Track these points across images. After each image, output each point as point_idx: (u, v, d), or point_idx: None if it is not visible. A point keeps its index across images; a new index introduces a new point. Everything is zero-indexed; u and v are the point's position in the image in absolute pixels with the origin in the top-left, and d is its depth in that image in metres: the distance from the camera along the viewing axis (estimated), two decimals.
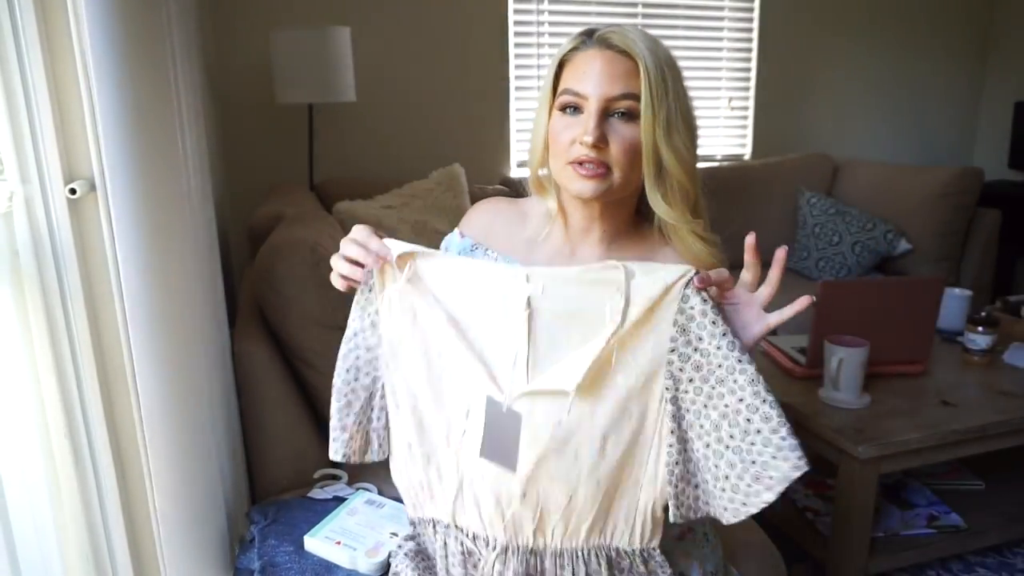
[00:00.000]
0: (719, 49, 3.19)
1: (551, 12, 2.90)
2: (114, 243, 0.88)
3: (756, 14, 3.19)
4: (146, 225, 0.91)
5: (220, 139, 2.39)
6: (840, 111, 3.46)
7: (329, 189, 2.41)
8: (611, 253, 0.91)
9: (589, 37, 0.85)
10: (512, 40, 2.86)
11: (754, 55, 3.25)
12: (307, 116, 2.52)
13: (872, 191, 2.97)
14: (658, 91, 0.81)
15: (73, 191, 0.87)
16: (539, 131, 0.89)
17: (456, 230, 1.01)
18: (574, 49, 0.85)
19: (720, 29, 3.18)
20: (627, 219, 0.93)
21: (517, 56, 2.89)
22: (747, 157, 3.34)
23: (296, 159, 2.62)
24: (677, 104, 0.82)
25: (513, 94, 2.92)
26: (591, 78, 0.82)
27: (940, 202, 2.78)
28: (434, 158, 2.66)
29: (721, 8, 3.15)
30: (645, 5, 3.03)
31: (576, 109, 0.84)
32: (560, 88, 0.85)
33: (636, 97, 0.81)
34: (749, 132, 3.33)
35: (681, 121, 0.83)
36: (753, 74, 3.27)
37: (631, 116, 0.82)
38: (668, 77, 0.82)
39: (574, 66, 0.85)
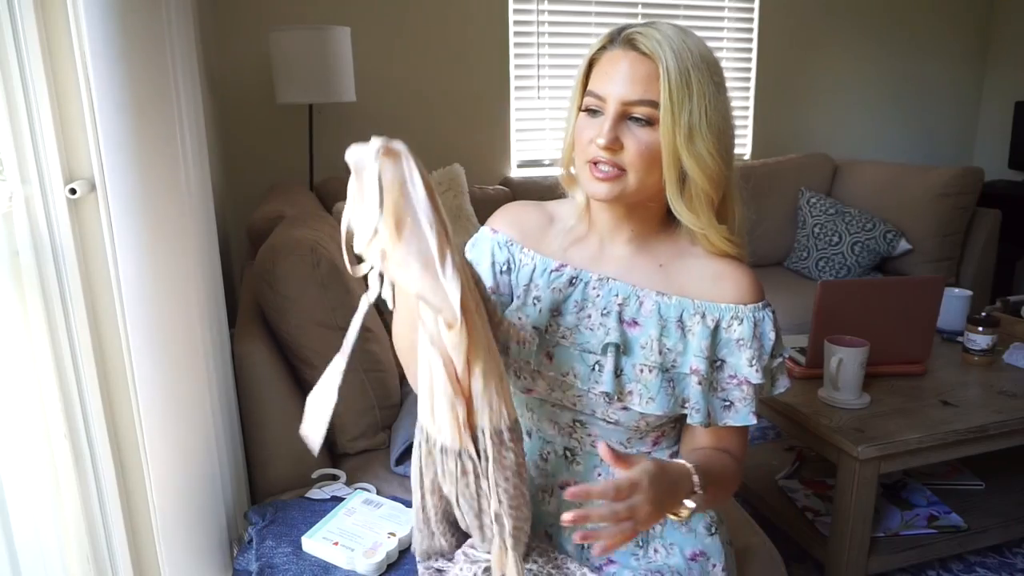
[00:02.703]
0: (719, 49, 3.20)
1: (551, 12, 2.90)
2: (114, 243, 0.88)
3: (756, 14, 3.19)
4: (146, 225, 0.91)
5: (220, 139, 2.39)
6: (840, 111, 3.46)
7: (329, 189, 2.41)
8: (640, 253, 0.92)
9: (618, 35, 0.84)
10: (512, 40, 2.86)
11: (754, 55, 3.25)
12: (307, 116, 2.52)
13: (872, 191, 2.97)
14: (679, 97, 0.79)
15: (73, 191, 0.87)
16: (569, 129, 0.89)
17: (486, 227, 1.00)
18: (602, 48, 0.85)
19: (720, 29, 3.18)
20: (657, 219, 0.92)
21: (517, 56, 2.89)
22: (747, 157, 3.34)
23: (296, 159, 2.62)
24: (703, 108, 0.80)
25: (513, 94, 2.92)
26: (612, 80, 0.82)
27: (940, 202, 2.78)
28: (434, 158, 2.66)
29: (721, 8, 3.15)
30: (645, 5, 3.03)
31: (598, 111, 0.83)
32: (587, 89, 0.85)
33: (655, 104, 0.80)
34: (749, 132, 3.33)
35: (706, 126, 0.80)
36: (753, 74, 3.27)
37: (649, 122, 0.81)
38: (694, 80, 0.79)
39: (600, 67, 0.84)
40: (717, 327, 0.88)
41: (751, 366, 0.86)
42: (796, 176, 3.05)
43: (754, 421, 0.88)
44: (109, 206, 0.87)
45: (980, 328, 1.79)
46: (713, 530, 0.98)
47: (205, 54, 1.87)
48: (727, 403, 0.89)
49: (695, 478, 0.81)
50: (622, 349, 0.88)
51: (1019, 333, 1.99)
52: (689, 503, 0.80)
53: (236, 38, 2.51)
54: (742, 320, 0.87)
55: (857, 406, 1.57)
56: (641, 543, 0.96)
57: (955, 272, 2.88)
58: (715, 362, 0.88)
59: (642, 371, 0.87)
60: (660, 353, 0.88)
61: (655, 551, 0.96)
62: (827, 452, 1.52)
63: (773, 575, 1.18)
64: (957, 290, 2.00)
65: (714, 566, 0.96)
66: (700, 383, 0.87)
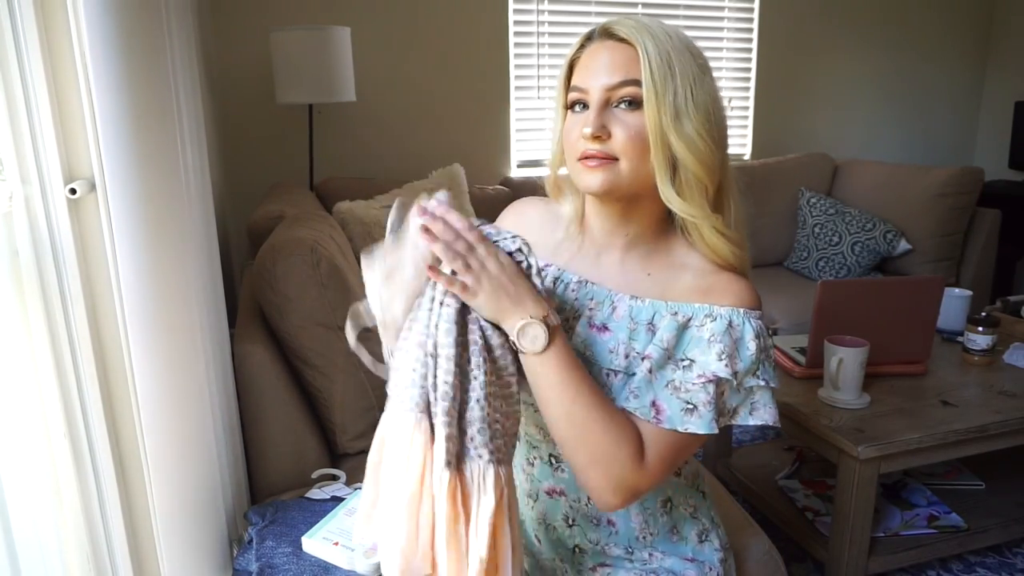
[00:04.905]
0: (719, 49, 3.20)
1: (551, 12, 2.90)
2: (114, 243, 0.88)
3: (756, 14, 3.19)
4: (146, 225, 0.91)
5: (220, 139, 2.39)
6: (840, 111, 3.46)
7: (329, 189, 2.41)
8: (630, 262, 0.88)
9: (595, 32, 0.83)
10: (512, 40, 2.86)
11: (754, 55, 3.25)
12: (307, 116, 2.52)
13: (872, 191, 2.97)
14: (661, 76, 0.77)
15: (73, 191, 0.87)
16: (556, 133, 0.87)
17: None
18: (582, 47, 0.84)
19: (720, 29, 3.18)
20: (652, 225, 0.88)
21: (517, 56, 2.89)
22: (747, 157, 3.34)
23: (296, 159, 2.62)
24: (688, 88, 0.77)
25: (513, 94, 2.92)
26: (594, 72, 0.80)
27: (940, 202, 2.78)
28: (434, 158, 2.66)
29: (721, 8, 3.15)
30: (645, 5, 3.03)
31: (584, 105, 0.81)
32: (572, 85, 0.84)
33: (637, 83, 0.78)
34: (749, 132, 3.33)
35: (693, 106, 0.77)
36: (753, 74, 3.27)
37: (635, 104, 0.79)
38: (675, 61, 0.77)
39: (581, 64, 0.83)
40: (687, 324, 0.83)
41: (720, 360, 0.79)
42: (796, 176, 3.05)
43: (715, 430, 0.79)
44: (109, 206, 0.86)
45: (980, 328, 1.79)
46: (704, 537, 0.98)
47: (205, 54, 1.87)
48: (690, 406, 0.80)
49: (550, 315, 0.76)
50: (587, 356, 0.85)
51: (1019, 333, 1.99)
52: (531, 335, 0.76)
53: (236, 38, 2.51)
54: (715, 319, 0.81)
55: (857, 406, 1.57)
56: (631, 549, 0.96)
57: (955, 272, 2.88)
58: (682, 361, 0.82)
59: (608, 376, 0.84)
60: (626, 356, 0.84)
61: (649, 555, 0.96)
62: (827, 452, 1.52)
63: (773, 575, 1.18)
64: (957, 290, 2.00)
65: (710, 569, 0.96)
66: (650, 370, 0.81)
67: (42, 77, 0.85)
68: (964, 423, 1.51)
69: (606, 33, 0.81)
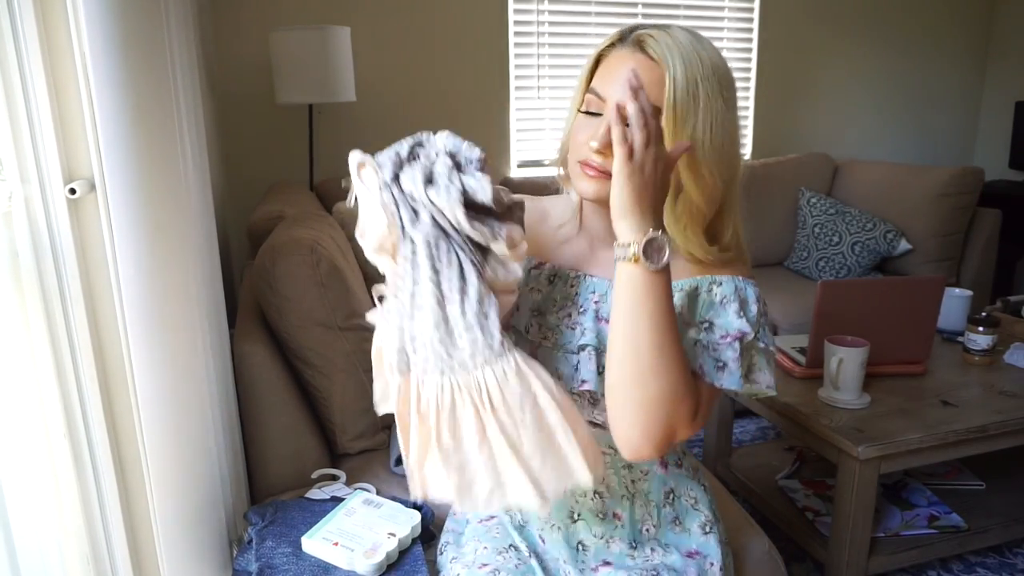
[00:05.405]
0: (719, 49, 3.19)
1: (551, 12, 2.90)
2: (114, 243, 0.88)
3: (756, 14, 3.19)
4: (146, 225, 0.91)
5: (220, 139, 2.39)
6: (840, 111, 3.46)
7: (329, 189, 2.41)
8: None
9: (629, 34, 0.82)
10: (512, 40, 2.86)
11: (754, 55, 3.25)
12: (307, 116, 2.53)
13: (872, 191, 2.97)
14: (683, 108, 0.76)
15: (73, 191, 0.87)
16: (569, 123, 0.87)
17: None
18: (611, 46, 0.83)
19: (720, 29, 3.18)
20: None
21: (517, 56, 2.89)
22: (747, 157, 3.34)
23: (296, 159, 2.62)
24: (708, 124, 0.77)
25: (513, 94, 2.92)
26: (615, 82, 0.79)
27: (940, 202, 2.78)
28: None
29: (721, 8, 3.15)
30: (645, 5, 3.03)
31: (597, 112, 0.81)
32: (590, 86, 0.83)
33: (658, 111, 0.76)
34: (749, 132, 3.33)
35: (710, 143, 0.77)
36: (753, 74, 3.27)
37: None
38: (701, 93, 0.76)
39: (607, 65, 0.82)
40: (695, 292, 0.84)
41: (740, 317, 0.82)
42: (796, 176, 3.05)
43: (743, 387, 0.83)
44: (109, 206, 0.86)
45: (980, 328, 1.79)
46: (708, 529, 0.98)
47: (205, 54, 1.87)
48: (720, 363, 0.82)
49: (660, 233, 0.73)
50: (602, 349, 0.85)
51: (1019, 333, 1.99)
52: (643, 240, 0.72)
53: (236, 38, 2.51)
54: (721, 283, 0.84)
55: (857, 406, 1.58)
56: (635, 544, 0.96)
57: (955, 272, 2.88)
58: (703, 324, 0.83)
59: None
60: None
61: (652, 551, 0.96)
62: (827, 452, 1.52)
63: (773, 575, 1.18)
64: (957, 290, 2.00)
65: (711, 564, 0.96)
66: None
67: (42, 77, 0.85)
68: (964, 423, 1.51)
69: (638, 43, 0.80)
